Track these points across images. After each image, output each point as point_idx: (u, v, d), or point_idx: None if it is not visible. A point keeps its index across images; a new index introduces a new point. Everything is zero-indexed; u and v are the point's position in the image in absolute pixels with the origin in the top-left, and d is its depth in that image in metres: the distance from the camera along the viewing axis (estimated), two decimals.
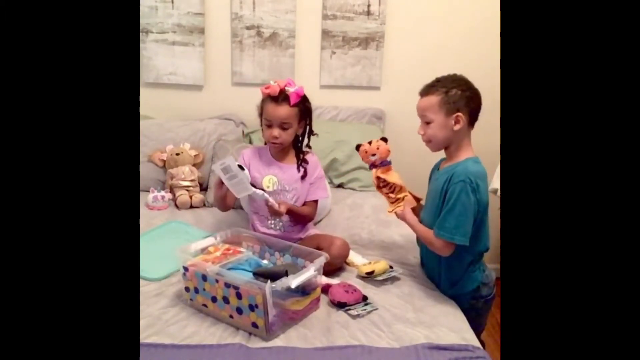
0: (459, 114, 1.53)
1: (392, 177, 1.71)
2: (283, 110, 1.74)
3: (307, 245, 1.67)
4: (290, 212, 1.79)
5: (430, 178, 1.74)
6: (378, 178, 1.72)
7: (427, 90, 1.58)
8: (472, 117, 1.56)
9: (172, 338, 1.34)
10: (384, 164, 1.71)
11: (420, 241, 1.74)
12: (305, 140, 1.87)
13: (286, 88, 1.74)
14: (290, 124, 1.76)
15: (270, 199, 1.69)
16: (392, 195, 1.72)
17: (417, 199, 1.75)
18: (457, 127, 1.54)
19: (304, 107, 1.79)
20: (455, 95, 1.52)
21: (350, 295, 1.52)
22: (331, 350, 1.31)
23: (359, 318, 1.46)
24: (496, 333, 2.33)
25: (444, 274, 1.64)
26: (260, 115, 1.82)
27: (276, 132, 1.76)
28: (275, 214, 1.73)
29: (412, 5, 2.63)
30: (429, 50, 2.67)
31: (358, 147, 1.73)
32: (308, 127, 1.85)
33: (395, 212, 1.69)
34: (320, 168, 1.92)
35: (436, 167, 1.72)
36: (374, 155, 1.70)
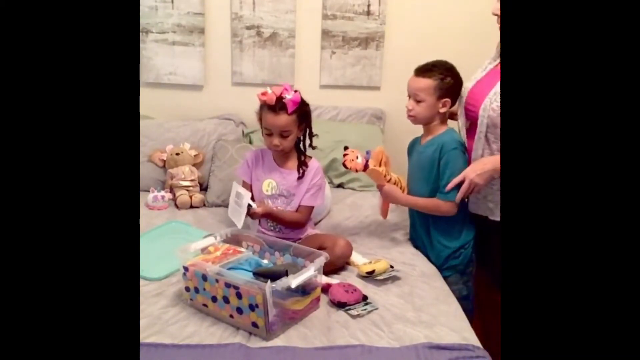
0: (447, 99, 1.77)
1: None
2: (282, 120, 1.74)
3: (310, 245, 1.67)
4: (269, 215, 1.80)
5: (409, 153, 1.96)
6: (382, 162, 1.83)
7: (424, 73, 1.77)
8: (454, 101, 1.82)
9: (172, 338, 1.34)
10: (368, 155, 1.81)
11: (413, 212, 1.95)
12: (307, 142, 1.87)
13: (283, 95, 1.73)
14: (290, 131, 1.77)
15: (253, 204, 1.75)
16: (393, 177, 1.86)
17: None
18: (443, 110, 1.79)
19: (302, 112, 1.78)
20: (449, 83, 1.76)
21: (350, 295, 1.52)
22: (331, 350, 1.31)
23: (359, 318, 1.46)
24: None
25: (440, 234, 1.84)
26: (260, 120, 1.82)
27: (277, 140, 1.77)
28: (253, 215, 1.77)
29: (412, 5, 2.62)
30: (428, 51, 2.65)
31: (345, 166, 1.81)
32: (308, 130, 1.85)
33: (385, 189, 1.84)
34: (322, 176, 1.90)
35: (416, 143, 1.92)
36: (357, 157, 1.79)
